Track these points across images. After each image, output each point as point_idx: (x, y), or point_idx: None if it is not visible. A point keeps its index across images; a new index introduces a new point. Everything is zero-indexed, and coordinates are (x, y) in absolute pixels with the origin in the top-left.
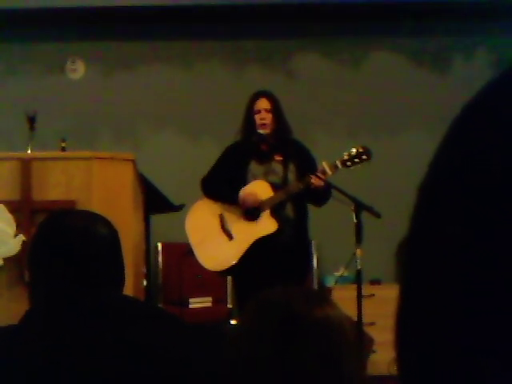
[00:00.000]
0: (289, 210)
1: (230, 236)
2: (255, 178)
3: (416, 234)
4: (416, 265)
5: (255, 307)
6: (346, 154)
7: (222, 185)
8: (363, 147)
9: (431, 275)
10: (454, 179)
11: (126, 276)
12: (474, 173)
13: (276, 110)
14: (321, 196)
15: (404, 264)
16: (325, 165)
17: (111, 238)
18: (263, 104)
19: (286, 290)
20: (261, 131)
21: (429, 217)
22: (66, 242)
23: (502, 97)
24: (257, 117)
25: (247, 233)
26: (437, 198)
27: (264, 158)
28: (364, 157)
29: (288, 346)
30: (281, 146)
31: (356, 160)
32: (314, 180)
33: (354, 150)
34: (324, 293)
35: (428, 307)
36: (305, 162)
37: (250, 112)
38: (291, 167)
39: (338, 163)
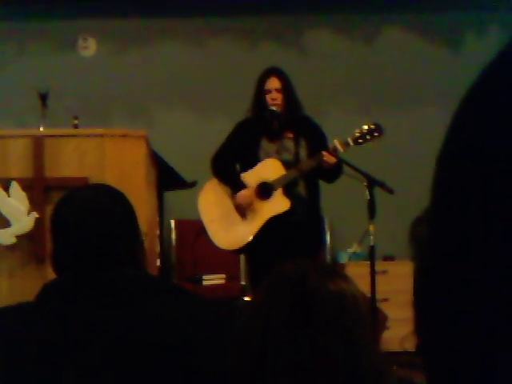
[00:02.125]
0: (301, 188)
1: (243, 215)
2: (268, 155)
3: (437, 212)
4: (437, 243)
5: (268, 282)
6: (357, 131)
7: (228, 171)
8: (375, 124)
9: (452, 253)
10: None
11: (145, 249)
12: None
13: (287, 89)
14: (332, 173)
15: (424, 243)
16: (336, 142)
17: (127, 212)
18: (274, 83)
19: (299, 263)
20: (273, 108)
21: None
22: (82, 218)
23: (499, 83)
24: (267, 96)
25: (260, 211)
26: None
27: (275, 136)
28: (375, 133)
29: (301, 321)
30: (292, 122)
31: (368, 137)
32: (326, 157)
33: (365, 127)
34: (337, 267)
35: (449, 284)
36: (316, 139)
37: (261, 91)
38: (303, 144)
39: (350, 141)
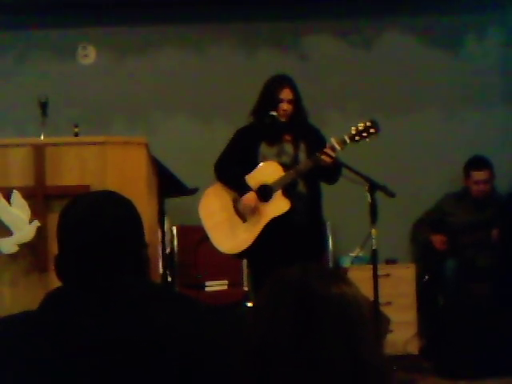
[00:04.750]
0: (301, 189)
1: (243, 218)
2: (266, 159)
3: None
4: None
5: (271, 286)
6: (353, 128)
7: (233, 174)
8: (370, 120)
9: None
10: None
11: (148, 257)
12: None
13: (298, 101)
14: (332, 172)
15: None
16: (333, 141)
17: (132, 218)
18: (287, 94)
19: (301, 267)
20: (273, 113)
21: None
22: (87, 223)
23: None
24: (279, 105)
25: (261, 214)
26: None
27: (274, 139)
28: (372, 130)
29: (304, 324)
30: (290, 126)
31: (364, 134)
32: (324, 156)
33: (361, 124)
34: (340, 270)
35: None
36: (314, 141)
37: (273, 98)
38: (302, 147)
39: (346, 138)
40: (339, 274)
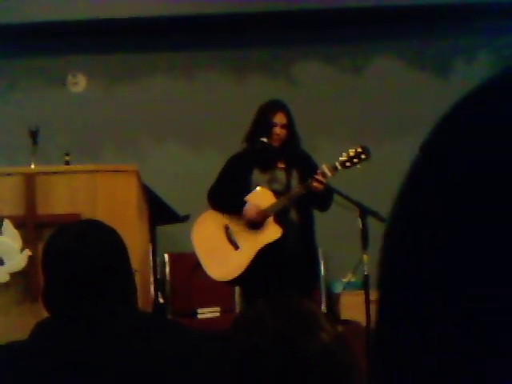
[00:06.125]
0: (293, 216)
1: (236, 246)
2: (258, 186)
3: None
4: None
5: (246, 333)
6: (344, 154)
7: (227, 197)
8: (361, 146)
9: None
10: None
11: (136, 285)
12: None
13: (291, 126)
14: (323, 199)
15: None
16: (324, 167)
17: (118, 247)
18: (281, 119)
19: (276, 314)
20: (264, 139)
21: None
22: (72, 252)
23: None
24: (272, 129)
25: (253, 241)
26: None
27: (267, 166)
28: (363, 156)
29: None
30: (283, 151)
31: (355, 160)
32: (315, 183)
33: (352, 151)
34: (315, 312)
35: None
36: (307, 168)
37: (267, 122)
38: (294, 174)
39: (338, 164)
40: (316, 319)
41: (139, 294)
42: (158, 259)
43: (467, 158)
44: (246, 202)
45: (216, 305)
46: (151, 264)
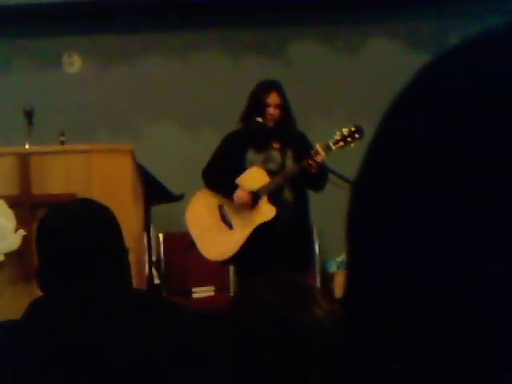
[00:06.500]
0: (288, 195)
1: (230, 225)
2: (253, 165)
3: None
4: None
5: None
6: (338, 134)
7: (222, 177)
8: (355, 126)
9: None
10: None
11: (129, 262)
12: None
13: (285, 105)
14: (318, 179)
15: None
16: (318, 146)
17: (111, 225)
18: (274, 99)
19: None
20: (259, 119)
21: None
22: (66, 231)
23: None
24: (266, 110)
25: (247, 221)
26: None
27: (262, 146)
28: (356, 135)
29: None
30: (278, 132)
31: (348, 139)
32: (310, 162)
33: (345, 130)
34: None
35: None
36: (302, 148)
37: (260, 102)
38: (289, 154)
39: (331, 144)
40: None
41: (133, 273)
42: (152, 239)
43: (424, 127)
44: (237, 187)
45: (211, 284)
46: (146, 243)
